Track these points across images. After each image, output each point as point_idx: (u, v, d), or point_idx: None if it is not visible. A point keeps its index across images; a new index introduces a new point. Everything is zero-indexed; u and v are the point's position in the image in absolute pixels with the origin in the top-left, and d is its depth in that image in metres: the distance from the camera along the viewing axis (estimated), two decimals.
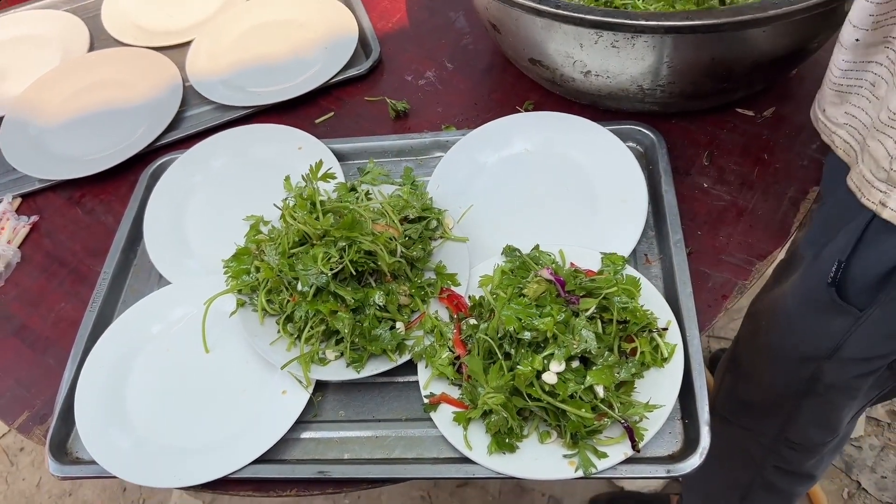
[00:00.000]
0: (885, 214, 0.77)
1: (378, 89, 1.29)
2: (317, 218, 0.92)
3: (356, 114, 1.27)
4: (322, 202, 0.96)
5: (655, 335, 0.88)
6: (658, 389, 0.86)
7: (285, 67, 1.34)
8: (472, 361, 0.84)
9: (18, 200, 1.24)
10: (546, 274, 0.86)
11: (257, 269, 0.97)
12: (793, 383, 1.06)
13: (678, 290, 0.95)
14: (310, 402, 0.94)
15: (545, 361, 0.81)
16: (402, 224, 0.99)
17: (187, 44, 1.43)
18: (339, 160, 1.17)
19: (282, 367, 0.91)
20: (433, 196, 1.06)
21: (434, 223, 1.03)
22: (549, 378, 0.81)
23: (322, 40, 1.37)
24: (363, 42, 1.36)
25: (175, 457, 0.91)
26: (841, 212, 0.86)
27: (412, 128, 1.22)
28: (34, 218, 1.22)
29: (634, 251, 1.02)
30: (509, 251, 0.96)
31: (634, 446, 0.82)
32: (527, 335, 0.81)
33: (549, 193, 1.08)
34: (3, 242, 1.17)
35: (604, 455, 0.82)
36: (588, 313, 0.85)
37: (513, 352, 0.83)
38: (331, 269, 0.88)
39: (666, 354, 0.88)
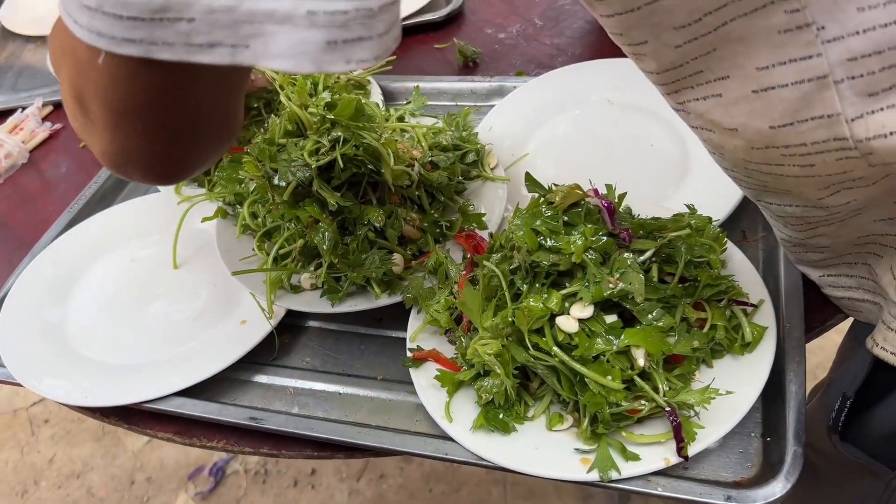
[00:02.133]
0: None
1: (450, 39, 1.11)
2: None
3: (421, 61, 1.10)
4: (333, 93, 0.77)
5: (738, 310, 0.62)
6: (732, 385, 0.59)
7: None
8: (467, 294, 0.61)
9: (49, 108, 1.15)
10: (592, 196, 0.62)
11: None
12: None
13: (781, 273, 0.68)
14: (270, 342, 0.73)
15: (565, 302, 0.57)
16: (431, 150, 0.79)
17: None
18: (387, 101, 1.00)
19: (233, 273, 0.71)
20: (481, 136, 0.86)
21: (472, 156, 0.82)
22: (567, 325, 0.56)
23: None
24: None
25: (96, 374, 0.73)
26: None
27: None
28: (56, 125, 1.12)
29: (731, 226, 0.76)
30: (532, 183, 0.66)
31: (681, 450, 0.55)
32: (544, 262, 0.57)
33: (629, 153, 0.85)
34: (18, 142, 1.06)
35: (634, 457, 0.56)
36: (643, 258, 0.60)
37: (525, 288, 0.59)
38: (317, 162, 0.69)
39: (750, 339, 0.61)
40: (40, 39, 1.31)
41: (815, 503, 0.67)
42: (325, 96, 0.72)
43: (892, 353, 0.51)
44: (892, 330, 0.51)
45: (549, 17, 1.13)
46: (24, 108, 1.13)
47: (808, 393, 0.64)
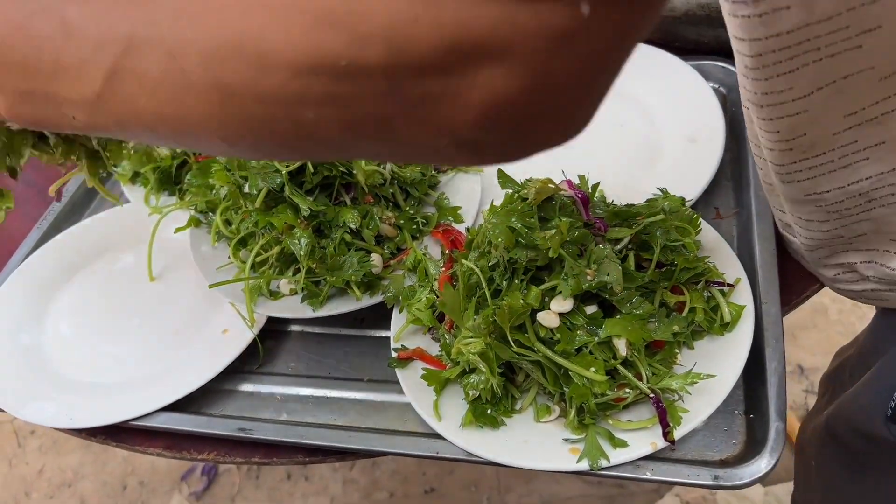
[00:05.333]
0: None
1: None
2: None
3: None
4: None
5: (716, 291, 0.63)
6: (713, 365, 0.60)
7: None
8: (447, 294, 0.61)
9: None
10: (565, 189, 0.62)
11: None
12: None
13: (756, 248, 0.69)
14: (254, 349, 0.73)
15: (545, 297, 0.57)
16: None
17: None
18: None
19: (210, 286, 0.71)
20: None
21: None
22: (548, 319, 0.57)
23: None
24: None
25: (80, 394, 0.72)
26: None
27: None
28: None
29: (704, 202, 0.77)
30: (504, 178, 0.64)
31: (667, 435, 0.56)
32: (521, 257, 0.58)
33: (600, 136, 0.85)
34: None
35: (622, 444, 0.57)
36: (619, 246, 0.61)
37: (505, 285, 0.60)
38: (287, 168, 0.68)
39: (729, 319, 0.62)
40: None
41: (860, 488, 0.67)
42: None
43: None
44: None
45: None
46: None
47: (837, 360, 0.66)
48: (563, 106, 0.29)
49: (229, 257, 0.76)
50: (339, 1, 0.27)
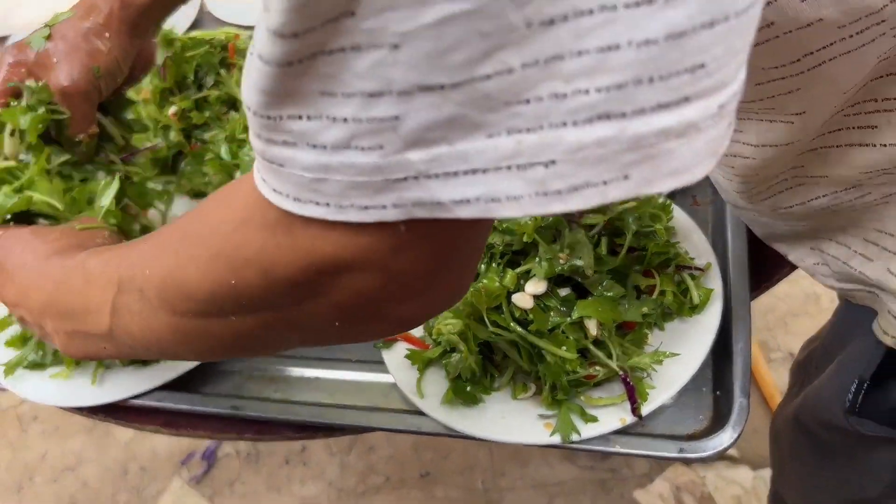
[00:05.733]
0: None
1: None
2: None
3: None
4: None
5: (686, 275, 0.66)
6: (682, 345, 0.63)
7: None
8: None
9: None
10: None
11: None
12: None
13: (728, 235, 0.72)
14: None
15: (520, 280, 0.60)
16: None
17: None
18: None
19: None
20: None
21: None
22: (523, 301, 0.60)
23: None
24: None
25: (80, 374, 0.75)
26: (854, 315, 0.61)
27: None
28: None
29: (682, 192, 0.80)
30: None
31: (635, 410, 0.59)
32: (498, 242, 0.61)
33: None
34: None
35: (593, 419, 0.60)
36: (592, 231, 0.64)
37: (482, 269, 0.63)
38: None
39: (697, 301, 0.65)
40: None
41: (825, 474, 0.71)
42: None
43: None
44: None
45: None
46: None
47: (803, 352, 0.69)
48: (422, 289, 0.33)
49: None
50: (226, 238, 0.35)
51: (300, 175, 0.29)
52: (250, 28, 1.05)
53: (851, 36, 0.40)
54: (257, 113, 0.29)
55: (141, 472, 1.82)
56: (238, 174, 0.72)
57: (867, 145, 0.47)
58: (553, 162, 0.25)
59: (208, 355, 0.54)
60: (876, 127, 0.45)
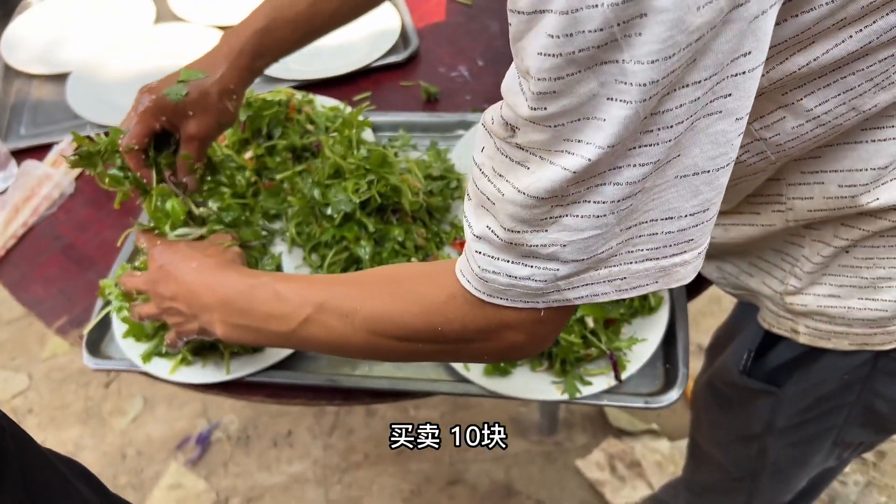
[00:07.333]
0: (802, 340, 0.82)
1: (413, 77, 1.41)
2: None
3: (391, 96, 1.39)
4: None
5: None
6: (645, 333, 0.94)
7: (330, 52, 1.47)
8: None
9: None
10: None
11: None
12: (742, 462, 1.03)
13: None
14: None
15: None
16: (425, 179, 1.09)
17: None
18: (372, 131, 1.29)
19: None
20: (455, 163, 1.17)
21: (454, 183, 1.13)
22: None
23: (366, 32, 1.50)
24: (404, 37, 1.49)
25: (206, 356, 0.99)
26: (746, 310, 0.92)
27: (441, 111, 1.34)
28: None
29: None
30: None
31: (617, 376, 0.90)
32: None
33: None
34: (62, 173, 1.28)
35: (589, 383, 0.90)
36: None
37: None
38: (359, 199, 0.98)
39: (654, 305, 0.96)
40: (43, 77, 1.50)
41: (727, 419, 1.02)
42: (364, 152, 1.01)
43: (776, 328, 0.84)
44: (774, 314, 0.84)
45: (488, 58, 1.44)
46: (57, 143, 1.34)
47: (713, 337, 1.01)
48: (542, 344, 0.62)
49: (303, 258, 1.05)
50: (439, 303, 0.60)
51: (495, 287, 0.55)
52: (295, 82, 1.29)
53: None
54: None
55: (138, 457, 2.01)
56: (329, 210, 0.98)
57: (752, 225, 0.79)
58: (624, 278, 0.52)
59: (380, 360, 0.91)
60: (759, 213, 0.77)
